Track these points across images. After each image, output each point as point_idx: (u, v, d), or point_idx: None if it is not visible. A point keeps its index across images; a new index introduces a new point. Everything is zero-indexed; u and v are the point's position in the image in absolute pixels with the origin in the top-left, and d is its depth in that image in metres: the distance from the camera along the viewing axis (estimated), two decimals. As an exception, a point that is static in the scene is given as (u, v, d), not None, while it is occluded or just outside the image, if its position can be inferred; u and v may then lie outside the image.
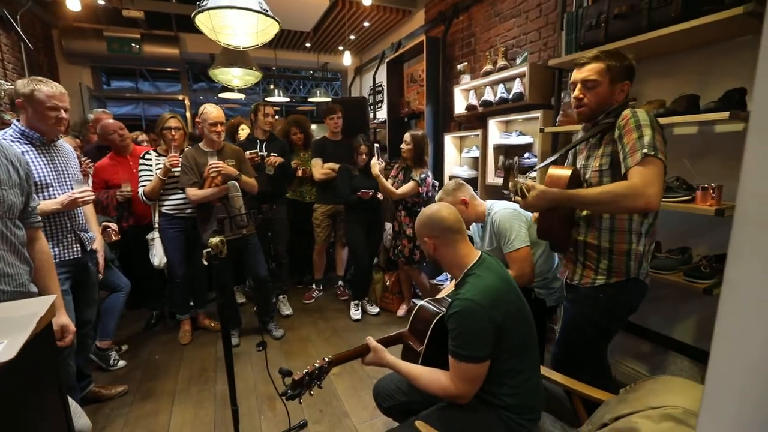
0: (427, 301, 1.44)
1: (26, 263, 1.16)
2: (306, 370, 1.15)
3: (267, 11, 1.97)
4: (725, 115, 1.41)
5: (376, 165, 2.67)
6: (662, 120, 1.60)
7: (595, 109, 1.30)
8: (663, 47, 1.73)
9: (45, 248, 1.38)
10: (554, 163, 1.45)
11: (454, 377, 1.12)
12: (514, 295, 1.19)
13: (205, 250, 1.39)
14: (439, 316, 1.33)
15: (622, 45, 1.71)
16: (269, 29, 2.12)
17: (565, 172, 1.32)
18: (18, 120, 1.62)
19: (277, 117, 6.70)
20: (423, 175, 2.69)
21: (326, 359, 1.20)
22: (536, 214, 1.54)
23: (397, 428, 1.27)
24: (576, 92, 1.32)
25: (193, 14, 1.96)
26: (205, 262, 1.39)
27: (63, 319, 1.39)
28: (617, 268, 1.31)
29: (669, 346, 1.89)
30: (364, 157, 2.87)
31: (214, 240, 1.37)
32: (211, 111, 2.35)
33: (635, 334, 1.99)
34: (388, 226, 3.27)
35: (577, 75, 1.32)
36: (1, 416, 0.68)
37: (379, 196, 2.86)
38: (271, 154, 2.91)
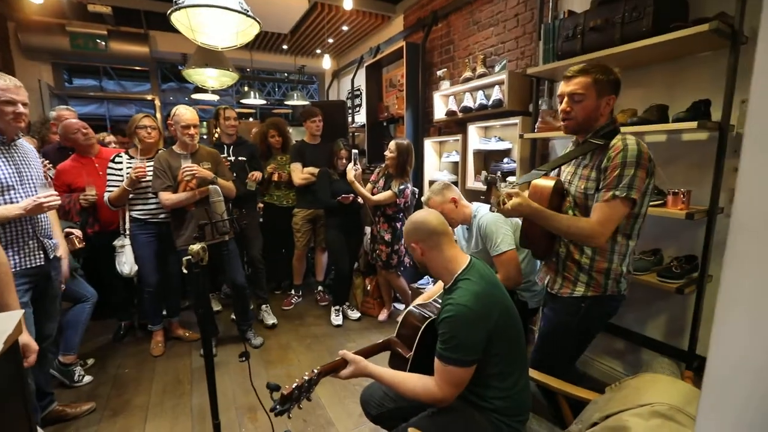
0: (414, 306, 1.44)
1: None
2: (295, 384, 1.11)
3: (248, 11, 1.92)
4: (694, 124, 1.50)
5: (352, 170, 2.63)
6: (635, 129, 1.69)
7: (582, 123, 1.33)
8: (634, 60, 1.83)
9: (2, 258, 1.27)
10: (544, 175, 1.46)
11: (440, 380, 1.12)
12: (505, 299, 1.20)
13: (185, 258, 1.33)
14: (429, 320, 1.33)
15: (596, 56, 1.79)
16: (249, 30, 2.07)
17: (548, 183, 1.35)
18: None
19: (251, 119, 6.57)
20: (402, 186, 2.64)
21: (315, 371, 1.17)
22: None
23: (388, 436, 1.25)
24: (563, 105, 1.34)
25: (169, 11, 1.88)
26: (185, 270, 1.32)
27: (24, 338, 1.28)
28: (595, 283, 1.36)
29: (642, 343, 1.98)
30: (344, 161, 2.85)
31: (195, 247, 1.31)
32: (184, 113, 2.26)
33: (610, 333, 2.07)
34: (368, 230, 3.25)
35: (564, 88, 1.33)
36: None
37: (359, 200, 2.84)
38: (239, 158, 2.83)
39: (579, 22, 1.88)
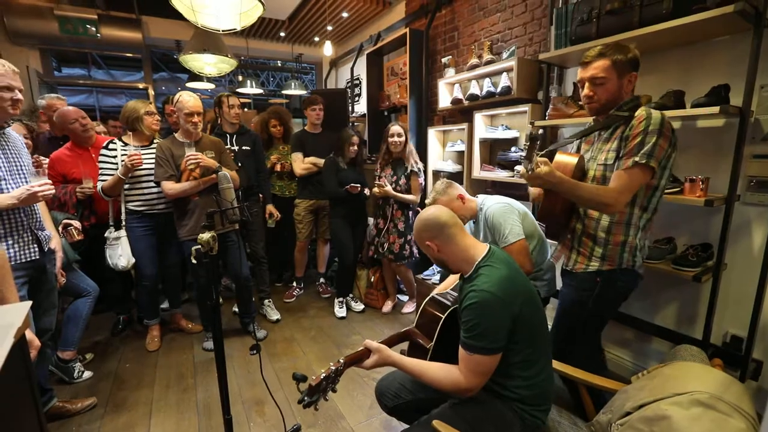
0: (433, 296, 1.41)
1: None
2: (323, 374, 1.08)
3: (251, -9, 1.85)
4: (715, 109, 1.47)
5: (388, 187, 2.67)
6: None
7: (605, 104, 1.33)
8: (650, 44, 1.79)
9: (0, 251, 1.21)
10: (559, 149, 1.47)
11: (465, 369, 1.10)
12: (528, 285, 1.18)
13: (194, 248, 1.27)
14: (450, 309, 1.30)
15: (612, 40, 1.75)
16: (252, 11, 1.99)
17: (572, 159, 1.36)
18: None
19: (246, 109, 6.44)
20: (419, 165, 2.75)
21: (341, 361, 1.13)
22: (536, 192, 1.55)
23: (411, 429, 1.22)
24: (586, 90, 1.34)
25: (168, -9, 1.79)
26: (194, 260, 1.27)
27: (27, 332, 1.23)
28: (611, 257, 1.36)
29: (651, 331, 1.97)
30: (355, 148, 2.77)
31: (205, 236, 1.25)
32: (188, 100, 2.17)
33: (619, 322, 2.06)
34: (371, 221, 3.20)
35: (583, 74, 1.34)
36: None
37: (366, 191, 2.79)
38: (243, 147, 2.75)
39: (594, 6, 1.83)
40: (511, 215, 1.79)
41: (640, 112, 1.26)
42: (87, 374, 2.18)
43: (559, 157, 1.39)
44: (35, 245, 1.59)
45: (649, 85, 1.90)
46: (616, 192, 1.24)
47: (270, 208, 2.92)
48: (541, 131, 1.42)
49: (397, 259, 2.78)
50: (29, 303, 0.77)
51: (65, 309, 2.14)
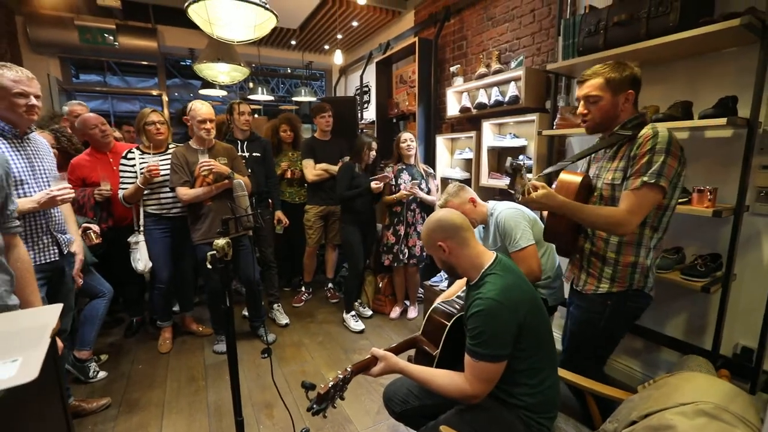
0: (439, 304, 1.43)
1: (4, 273, 1.04)
2: (331, 383, 1.11)
3: (266, 4, 1.91)
4: (722, 121, 1.48)
5: (416, 189, 2.78)
6: (659, 125, 1.66)
7: (600, 122, 1.33)
8: (657, 55, 1.80)
9: (24, 256, 1.25)
10: (565, 168, 1.46)
11: (470, 376, 1.11)
12: (533, 294, 1.19)
13: (209, 253, 1.31)
14: (455, 317, 1.32)
15: (620, 52, 1.77)
16: (266, 23, 2.04)
17: (576, 178, 1.35)
18: None
19: (256, 115, 6.56)
20: (431, 169, 2.91)
21: (348, 369, 1.16)
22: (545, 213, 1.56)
23: (418, 433, 1.24)
24: (580, 108, 1.35)
25: (186, 4, 1.86)
26: (209, 265, 1.31)
27: None
28: (621, 278, 1.33)
29: (661, 342, 1.97)
30: (374, 154, 2.82)
31: (221, 242, 1.30)
32: (200, 107, 2.24)
33: (629, 332, 2.05)
34: (379, 227, 3.24)
35: (579, 92, 1.35)
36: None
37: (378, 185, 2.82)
38: (253, 154, 2.81)
39: (602, 17, 1.86)
40: (521, 221, 1.80)
41: (646, 131, 1.24)
42: (102, 374, 2.24)
43: (564, 176, 1.38)
44: (55, 247, 1.65)
45: (656, 96, 1.91)
46: (626, 213, 1.21)
47: (279, 214, 2.97)
48: (523, 160, 1.41)
49: (419, 261, 2.90)
50: (60, 305, 0.82)
51: (81, 310, 2.20)
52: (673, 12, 1.61)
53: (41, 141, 1.67)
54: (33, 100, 1.49)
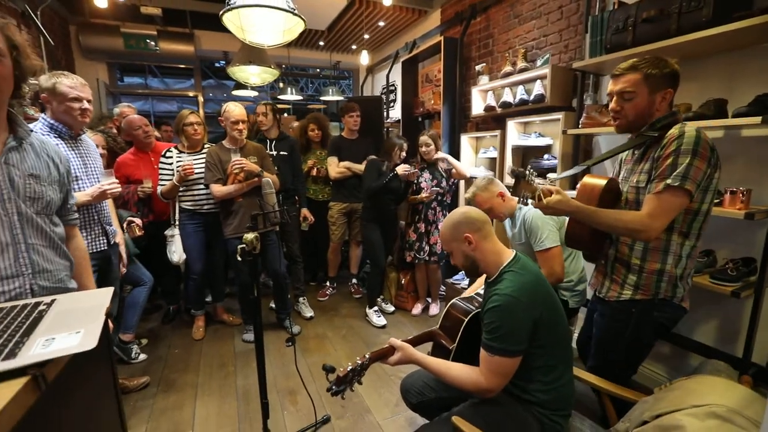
0: (458, 300, 1.46)
1: (65, 259, 1.16)
2: (350, 367, 1.17)
3: (294, 10, 1.99)
4: (757, 119, 1.42)
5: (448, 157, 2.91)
6: (689, 125, 1.61)
7: (633, 121, 1.26)
8: (689, 51, 1.74)
9: (82, 245, 1.39)
10: (587, 171, 1.42)
11: (485, 370, 1.14)
12: (551, 293, 1.21)
13: (239, 246, 1.41)
14: (472, 313, 1.35)
15: (649, 49, 1.73)
16: (295, 28, 2.13)
17: (599, 182, 1.28)
18: (44, 114, 1.64)
19: (286, 114, 6.75)
20: (448, 167, 2.93)
21: (366, 356, 1.22)
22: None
23: (431, 423, 1.28)
24: (613, 104, 1.28)
25: (221, 12, 1.97)
26: (239, 258, 1.41)
27: None
28: (645, 286, 1.27)
29: (690, 348, 1.91)
30: (404, 154, 2.87)
31: (250, 236, 1.39)
32: (234, 109, 2.37)
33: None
34: (402, 224, 3.29)
35: (612, 86, 1.27)
36: (72, 395, 0.71)
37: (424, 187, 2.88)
38: (280, 152, 2.92)
39: (630, 14, 1.82)
40: (549, 221, 1.78)
41: (673, 131, 1.17)
42: (142, 356, 2.42)
43: (587, 180, 1.32)
44: (104, 238, 1.81)
45: (690, 94, 1.84)
46: (647, 217, 1.15)
47: (305, 212, 3.07)
48: (529, 167, 1.34)
49: (440, 259, 2.92)
50: (112, 289, 0.92)
51: (125, 297, 2.39)
52: (706, 6, 1.56)
53: (90, 142, 1.84)
54: (86, 104, 1.64)
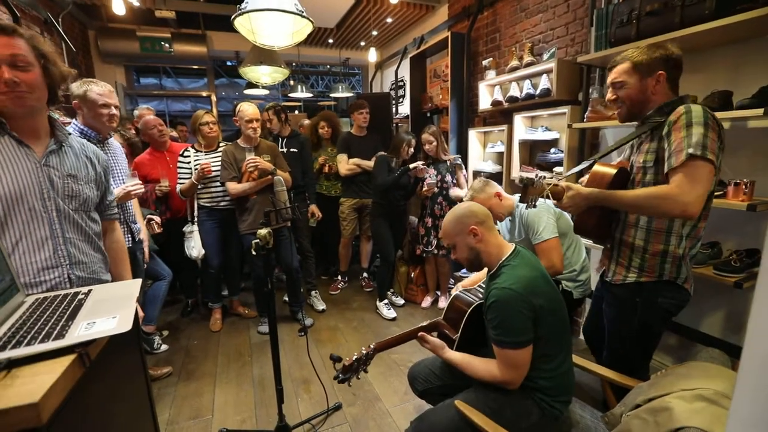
0: (461, 292, 1.52)
1: (99, 253, 1.25)
2: (355, 356, 1.25)
3: (303, 12, 2.06)
4: (759, 111, 1.43)
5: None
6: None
7: (631, 108, 1.30)
8: (694, 44, 1.74)
9: (120, 238, 1.46)
10: (590, 167, 1.43)
11: (501, 364, 1.20)
12: (548, 283, 1.25)
13: (253, 241, 1.49)
14: (474, 305, 1.41)
15: (653, 42, 1.73)
16: (304, 29, 2.20)
17: (610, 170, 1.31)
18: (75, 120, 1.75)
19: (297, 112, 6.85)
20: (458, 160, 2.96)
21: (371, 346, 1.30)
22: None
23: (436, 408, 1.35)
24: (609, 95, 1.34)
25: (232, 17, 2.05)
26: (254, 252, 1.49)
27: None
28: (649, 267, 1.29)
29: (696, 338, 1.92)
30: (412, 150, 2.93)
31: (263, 231, 1.47)
32: (247, 108, 2.46)
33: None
34: (413, 219, 3.35)
35: (608, 79, 1.35)
36: (109, 373, 0.80)
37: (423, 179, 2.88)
38: (291, 149, 3.00)
39: (634, 7, 1.82)
40: (546, 213, 1.83)
41: (679, 108, 1.17)
42: (164, 347, 2.55)
43: (597, 168, 1.34)
44: (129, 235, 1.93)
45: (696, 86, 1.84)
46: (678, 191, 1.08)
47: (312, 208, 3.10)
48: (537, 173, 1.36)
49: (448, 252, 2.94)
50: (140, 280, 1.02)
51: (146, 291, 2.52)
52: (709, -1, 1.56)
53: (116, 145, 1.95)
54: (113, 110, 1.75)
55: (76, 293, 0.87)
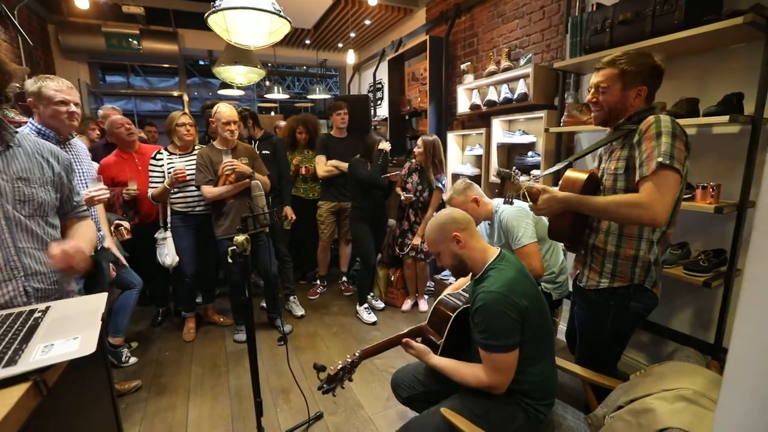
0: (445, 296, 1.51)
1: None
2: (339, 365, 1.21)
3: (280, 11, 2.00)
4: (725, 118, 1.49)
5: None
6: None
7: (609, 113, 1.31)
8: (665, 53, 1.81)
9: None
10: (569, 167, 1.46)
11: (487, 368, 1.18)
12: (534, 287, 1.26)
13: (230, 248, 1.43)
14: (459, 309, 1.40)
15: (625, 50, 1.79)
16: (281, 29, 2.14)
17: (581, 175, 1.34)
18: (32, 119, 1.62)
19: (273, 113, 6.70)
20: (444, 182, 2.87)
21: (356, 354, 1.26)
22: None
23: (421, 416, 1.33)
24: (589, 96, 1.35)
25: (206, 14, 1.97)
26: (230, 260, 1.42)
27: None
28: (621, 272, 1.32)
29: (667, 336, 1.99)
30: (386, 147, 2.90)
31: (240, 238, 1.41)
32: (225, 110, 2.37)
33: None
34: (392, 222, 3.33)
35: (592, 79, 1.34)
36: (71, 398, 0.73)
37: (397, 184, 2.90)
38: (263, 151, 2.93)
39: (608, 16, 1.88)
40: (524, 218, 1.85)
41: (649, 118, 1.20)
42: (133, 360, 2.42)
43: (569, 173, 1.37)
44: (92, 243, 1.80)
45: (664, 93, 1.89)
46: (648, 199, 1.12)
47: (287, 210, 3.01)
48: (514, 168, 1.38)
49: (426, 256, 2.97)
50: (106, 294, 0.94)
51: (113, 300, 2.38)
52: (678, 10, 1.62)
53: (81, 145, 1.82)
54: (73, 107, 1.62)
55: (32, 311, 0.79)
